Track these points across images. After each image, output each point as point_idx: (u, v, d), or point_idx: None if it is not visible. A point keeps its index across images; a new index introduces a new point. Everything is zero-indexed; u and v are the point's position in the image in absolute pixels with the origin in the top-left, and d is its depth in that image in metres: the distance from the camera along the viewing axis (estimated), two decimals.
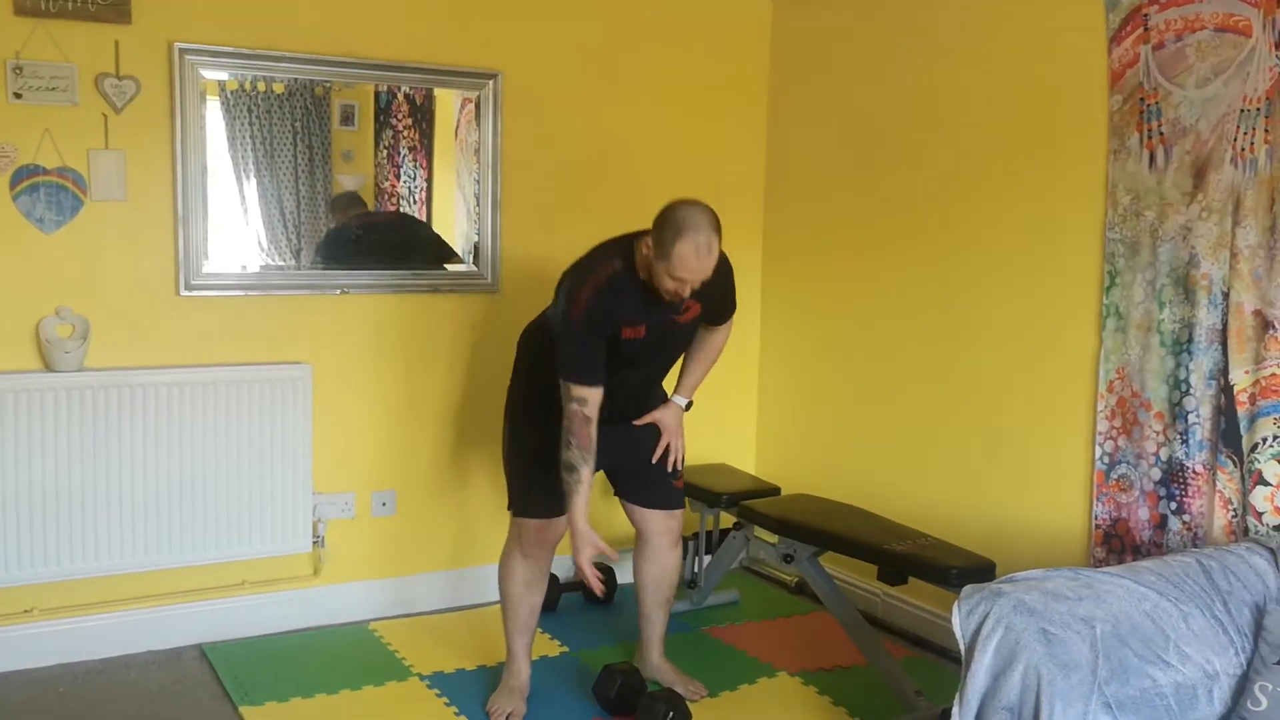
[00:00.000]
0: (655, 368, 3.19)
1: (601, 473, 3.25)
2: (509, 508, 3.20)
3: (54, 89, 3.21)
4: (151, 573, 3.46)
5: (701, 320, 3.15)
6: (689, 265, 2.75)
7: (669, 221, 2.76)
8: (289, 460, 3.58)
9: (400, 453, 3.85)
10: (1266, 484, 2.76)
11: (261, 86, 3.60)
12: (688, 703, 3.10)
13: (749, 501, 3.70)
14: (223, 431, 3.48)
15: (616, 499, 3.37)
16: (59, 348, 3.27)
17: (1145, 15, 3.02)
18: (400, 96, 3.83)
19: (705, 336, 3.25)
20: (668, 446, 3.23)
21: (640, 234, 2.89)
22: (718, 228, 2.79)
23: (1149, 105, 3.02)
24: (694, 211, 2.76)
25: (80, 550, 3.33)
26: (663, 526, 3.26)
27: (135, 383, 3.36)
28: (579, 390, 2.88)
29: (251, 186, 3.64)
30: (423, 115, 3.90)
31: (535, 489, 3.12)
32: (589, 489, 2.94)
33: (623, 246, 2.93)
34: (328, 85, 3.69)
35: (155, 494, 3.41)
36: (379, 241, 3.89)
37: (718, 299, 3.13)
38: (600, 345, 2.89)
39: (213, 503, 3.49)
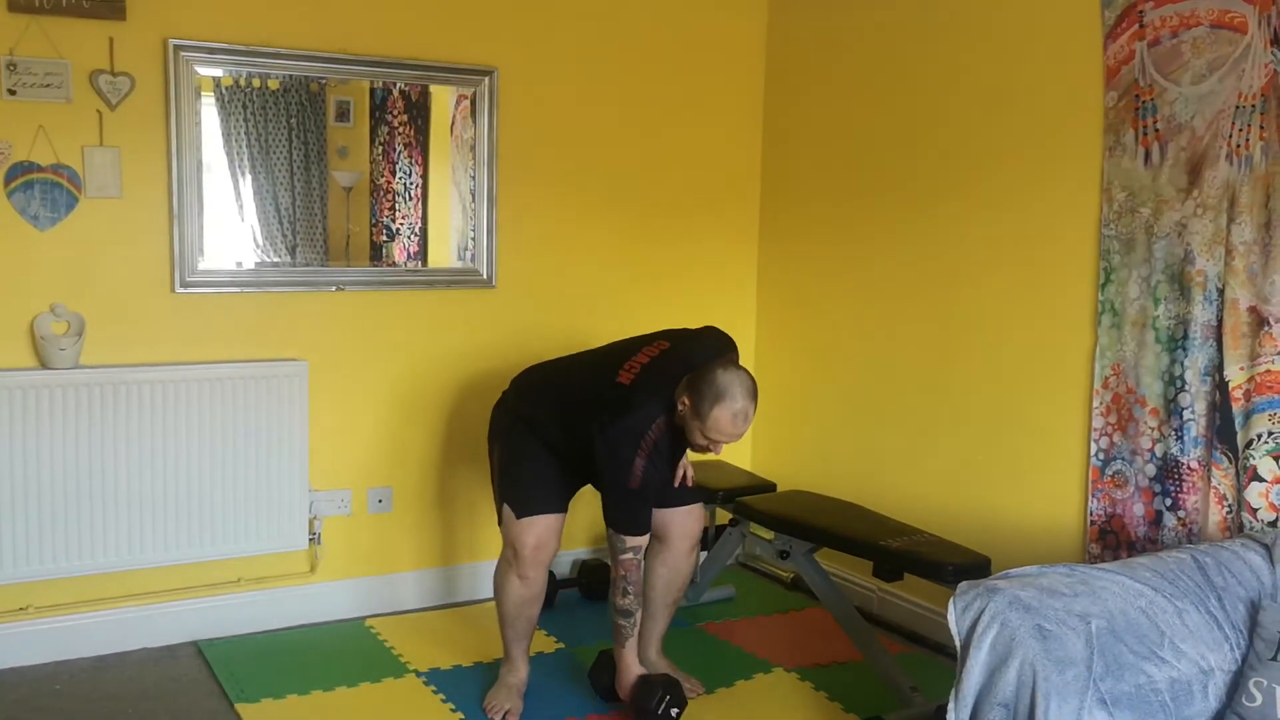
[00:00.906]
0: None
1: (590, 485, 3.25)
2: (501, 524, 3.16)
3: (48, 85, 3.20)
4: (147, 570, 3.46)
5: None
6: (724, 431, 2.85)
7: (710, 386, 2.83)
8: (285, 457, 3.58)
9: (396, 450, 3.85)
10: (1261, 480, 2.77)
11: (256, 83, 3.60)
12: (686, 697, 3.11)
13: (745, 498, 3.71)
14: (218, 429, 3.48)
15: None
16: (54, 344, 3.26)
17: (1141, 12, 3.02)
18: (396, 93, 3.82)
19: None
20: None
21: (679, 377, 2.93)
22: (755, 395, 2.87)
23: (1144, 102, 3.03)
24: (734, 379, 2.84)
25: (76, 547, 3.33)
26: (684, 529, 3.23)
27: (130, 380, 3.35)
28: (635, 541, 2.97)
29: (247, 183, 3.63)
30: (418, 111, 3.90)
31: (530, 486, 3.09)
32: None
33: (664, 395, 2.94)
34: (323, 81, 3.68)
35: (151, 491, 3.40)
36: None
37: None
38: (649, 499, 3.00)
39: (208, 500, 3.49)
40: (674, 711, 3.01)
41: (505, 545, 3.16)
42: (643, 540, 3.00)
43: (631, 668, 3.09)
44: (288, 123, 3.66)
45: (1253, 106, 2.78)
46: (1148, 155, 3.03)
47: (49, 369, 3.26)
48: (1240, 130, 2.81)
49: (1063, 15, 3.24)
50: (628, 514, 2.97)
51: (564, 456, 3.10)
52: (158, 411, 3.39)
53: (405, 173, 3.93)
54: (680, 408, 2.90)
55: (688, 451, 3.16)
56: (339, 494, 3.76)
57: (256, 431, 3.53)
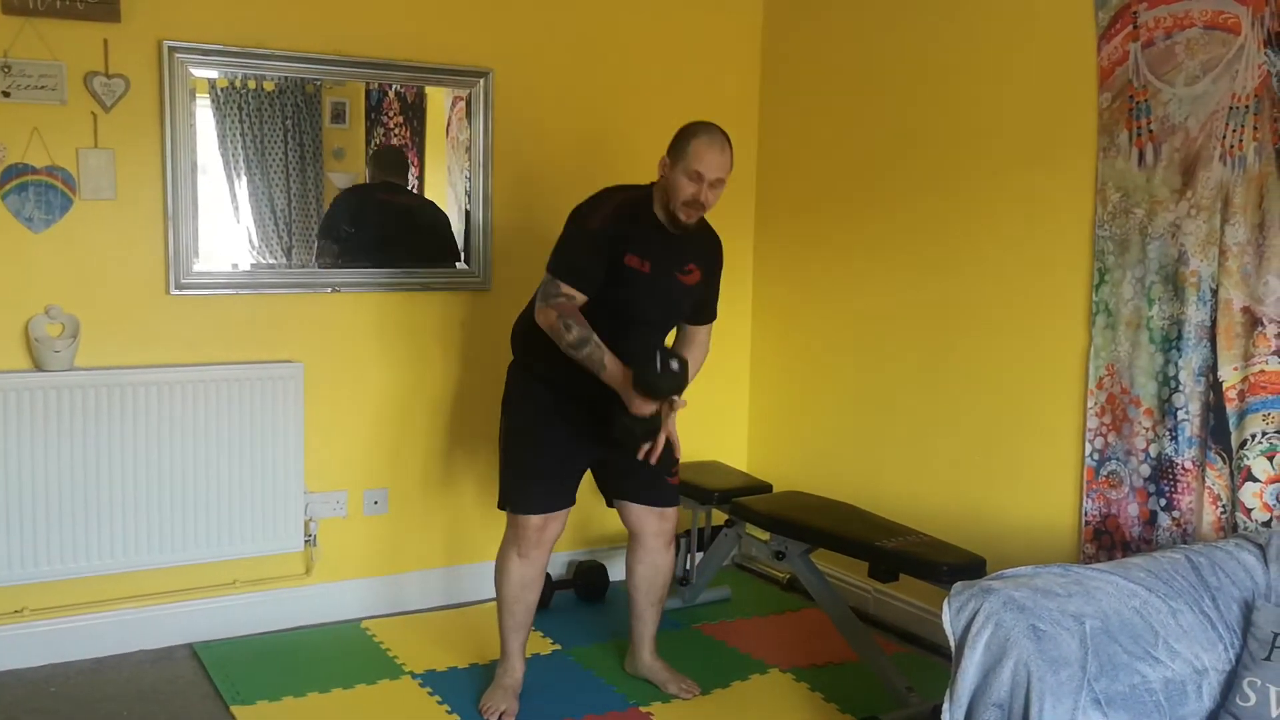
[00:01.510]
0: (652, 322, 3.12)
1: (589, 472, 3.25)
2: (502, 505, 3.18)
3: (43, 87, 3.20)
4: (143, 572, 3.45)
5: (688, 310, 3.19)
6: (705, 158, 2.90)
7: (685, 129, 2.98)
8: (280, 459, 3.58)
9: (392, 451, 3.85)
10: (1255, 480, 2.78)
11: (252, 84, 3.60)
12: (678, 697, 3.10)
13: (741, 498, 3.70)
14: (214, 431, 3.47)
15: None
16: (48, 347, 3.26)
17: (1135, 13, 3.03)
18: (391, 94, 3.83)
19: (692, 333, 3.27)
20: (666, 444, 3.20)
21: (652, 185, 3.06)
22: (729, 141, 2.99)
23: (1138, 103, 3.03)
24: (708, 123, 2.99)
25: (71, 550, 3.33)
26: (657, 527, 3.25)
27: (125, 382, 3.35)
28: (566, 289, 2.94)
29: (242, 184, 3.63)
30: (414, 113, 3.90)
31: (533, 482, 3.11)
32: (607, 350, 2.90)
33: (639, 187, 3.08)
34: (318, 83, 3.68)
35: (146, 493, 3.40)
36: (397, 227, 3.94)
37: (711, 283, 3.21)
38: (602, 261, 2.95)
39: (204, 502, 3.48)
40: (674, 363, 2.86)
41: (508, 525, 3.17)
42: (575, 294, 2.92)
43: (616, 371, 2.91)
44: (283, 124, 3.66)
45: (1246, 107, 2.79)
46: (1142, 156, 3.03)
47: (43, 371, 3.26)
48: (1234, 131, 2.82)
49: (1056, 16, 3.24)
50: (571, 252, 2.96)
51: (574, 418, 3.06)
52: (152, 414, 3.38)
53: None
54: (661, 175, 2.99)
55: (673, 431, 3.01)
56: (335, 495, 3.76)
57: (252, 433, 3.53)
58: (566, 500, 3.14)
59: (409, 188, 3.98)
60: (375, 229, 3.88)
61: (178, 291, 3.45)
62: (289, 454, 3.59)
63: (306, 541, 3.69)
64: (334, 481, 3.76)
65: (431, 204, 3.99)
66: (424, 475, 3.92)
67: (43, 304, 3.29)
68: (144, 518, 3.41)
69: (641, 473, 3.11)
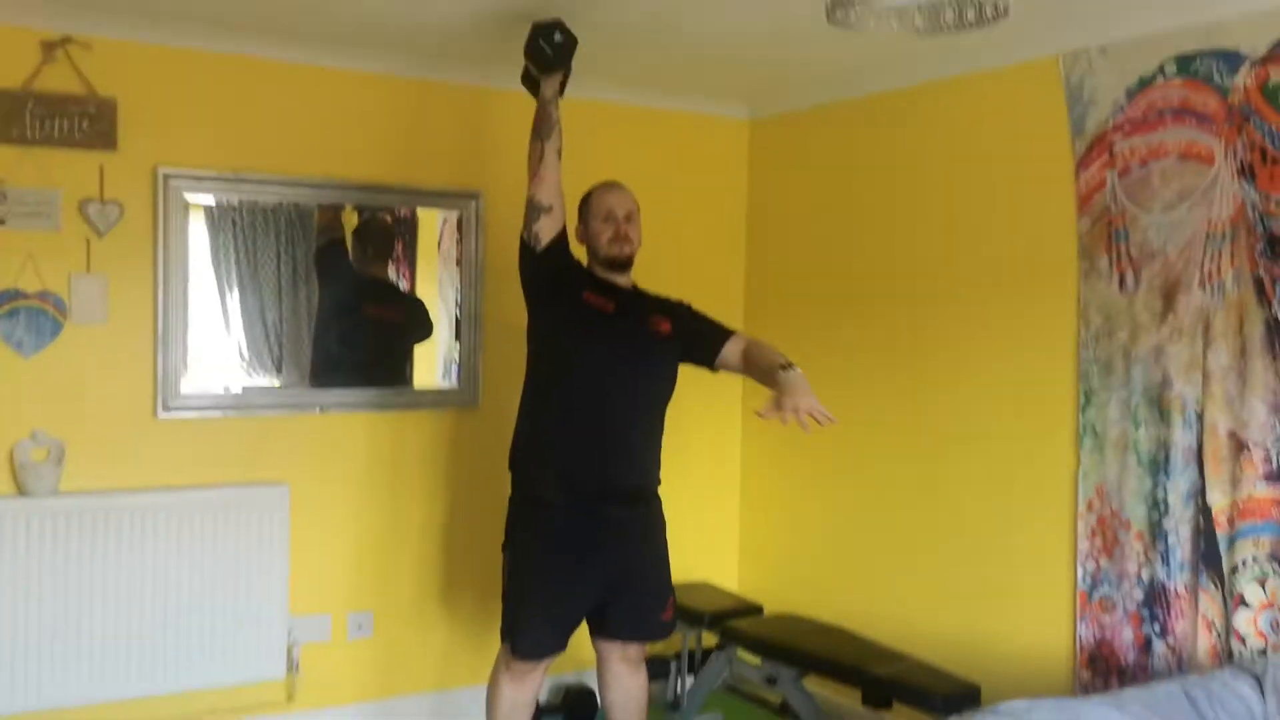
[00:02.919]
0: (635, 390, 3.08)
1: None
2: (504, 639, 3.10)
3: (37, 214, 3.24)
4: (123, 702, 3.36)
5: (693, 352, 3.15)
6: (607, 198, 3.10)
7: (583, 196, 3.17)
8: (265, 584, 3.52)
9: (378, 572, 3.80)
10: (1248, 606, 2.75)
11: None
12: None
13: (732, 621, 3.66)
14: (198, 555, 3.43)
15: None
16: (33, 471, 3.24)
17: (1110, 142, 3.10)
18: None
19: (730, 351, 3.13)
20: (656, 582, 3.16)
21: None
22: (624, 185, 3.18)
23: (1116, 228, 3.09)
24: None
25: (49, 681, 3.25)
26: (621, 653, 3.18)
27: (110, 506, 3.32)
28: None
29: (234, 298, 3.65)
30: (406, 227, 3.95)
31: (532, 626, 3.03)
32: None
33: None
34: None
35: (127, 621, 3.34)
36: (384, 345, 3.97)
37: (696, 319, 3.20)
38: (566, 252, 3.10)
39: (185, 629, 3.42)
40: (557, 36, 3.02)
41: (501, 648, 3.11)
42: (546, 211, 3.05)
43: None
44: (277, 239, 3.70)
45: (1223, 235, 2.84)
46: (1122, 280, 3.07)
47: (27, 496, 3.23)
48: (1211, 258, 2.86)
49: (1036, 141, 3.32)
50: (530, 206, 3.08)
51: (577, 549, 3.00)
52: (136, 538, 3.35)
53: None
54: (582, 243, 3.13)
55: (820, 409, 2.76)
56: (319, 619, 3.70)
57: (236, 557, 3.48)
58: (561, 644, 3.08)
59: (393, 280, 3.97)
60: (362, 351, 3.88)
61: (165, 414, 3.44)
62: (273, 577, 3.54)
63: (289, 668, 3.61)
64: (318, 604, 3.70)
65: (419, 304, 3.98)
66: (411, 597, 3.86)
67: (29, 428, 3.28)
68: (125, 646, 3.34)
69: (635, 611, 3.10)
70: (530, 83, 3.18)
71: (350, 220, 3.82)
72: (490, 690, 3.15)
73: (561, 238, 3.08)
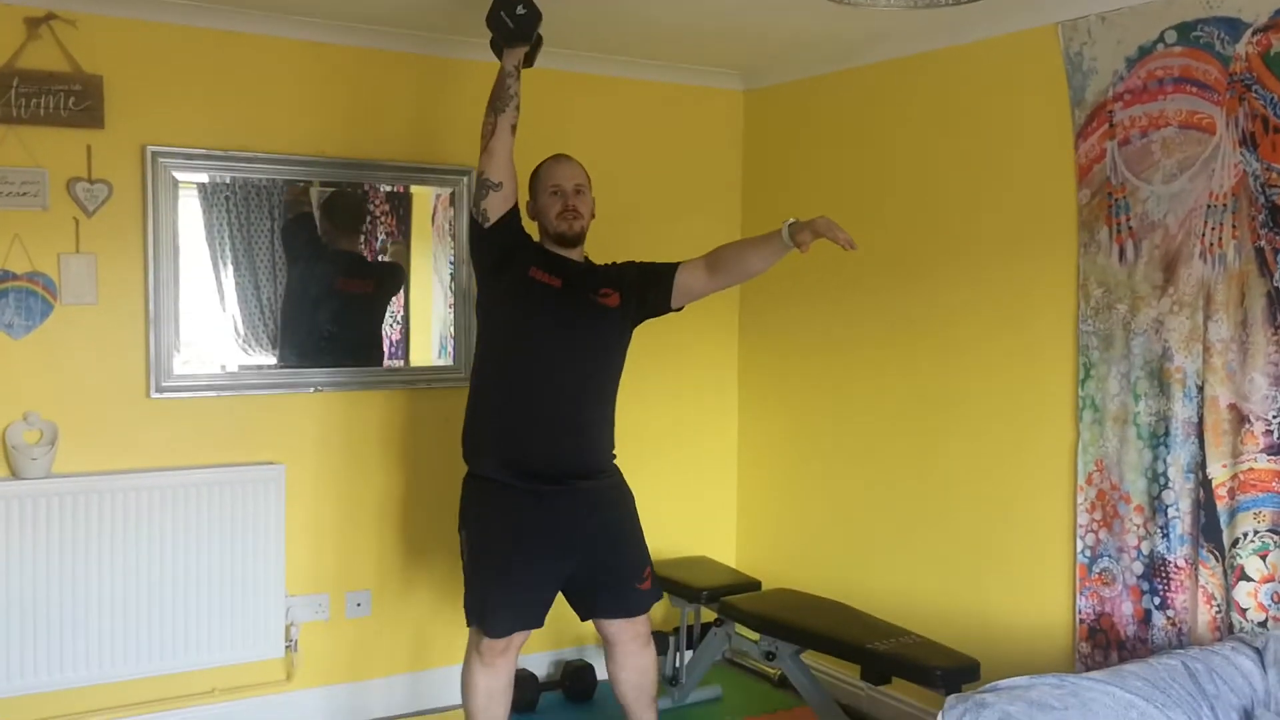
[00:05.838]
0: (583, 366, 3.06)
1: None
2: (470, 622, 3.07)
3: (25, 194, 3.20)
4: (121, 683, 3.36)
5: (660, 297, 3.12)
6: (555, 171, 3.09)
7: (533, 171, 3.16)
8: (261, 563, 3.51)
9: (375, 551, 3.79)
10: (1249, 579, 2.74)
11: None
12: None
13: (730, 597, 3.65)
14: (193, 536, 3.42)
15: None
16: (25, 454, 3.21)
17: (1110, 112, 3.07)
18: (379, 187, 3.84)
19: (690, 267, 3.13)
20: (635, 549, 3.15)
21: None
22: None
23: (1116, 200, 3.05)
24: None
25: (46, 663, 3.24)
26: (631, 632, 3.15)
27: (104, 488, 3.30)
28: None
29: (229, 275, 3.61)
30: (400, 202, 3.91)
31: (499, 605, 3.00)
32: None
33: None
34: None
35: (124, 603, 3.33)
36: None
37: (644, 275, 3.15)
38: (516, 229, 3.06)
39: (183, 610, 3.41)
40: (519, 9, 2.98)
41: (470, 634, 3.08)
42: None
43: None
44: (270, 216, 3.66)
45: (1224, 206, 2.81)
46: (1122, 252, 3.04)
47: (20, 479, 3.21)
48: (1213, 229, 2.83)
49: (1035, 112, 3.28)
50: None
51: (536, 525, 2.98)
52: (130, 520, 3.33)
53: None
54: (533, 218, 3.11)
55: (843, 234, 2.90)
56: (317, 598, 3.69)
57: (233, 537, 3.47)
58: (534, 621, 3.04)
59: (364, 251, 3.89)
60: (334, 324, 3.83)
61: (158, 395, 3.41)
62: (270, 558, 3.53)
63: (287, 647, 3.61)
64: (316, 584, 3.69)
65: (391, 267, 3.93)
66: (409, 575, 3.85)
67: (21, 410, 3.25)
68: (122, 628, 3.33)
69: (608, 582, 3.08)
70: (498, 51, 3.14)
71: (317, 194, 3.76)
72: (464, 681, 3.10)
73: (512, 214, 3.05)
